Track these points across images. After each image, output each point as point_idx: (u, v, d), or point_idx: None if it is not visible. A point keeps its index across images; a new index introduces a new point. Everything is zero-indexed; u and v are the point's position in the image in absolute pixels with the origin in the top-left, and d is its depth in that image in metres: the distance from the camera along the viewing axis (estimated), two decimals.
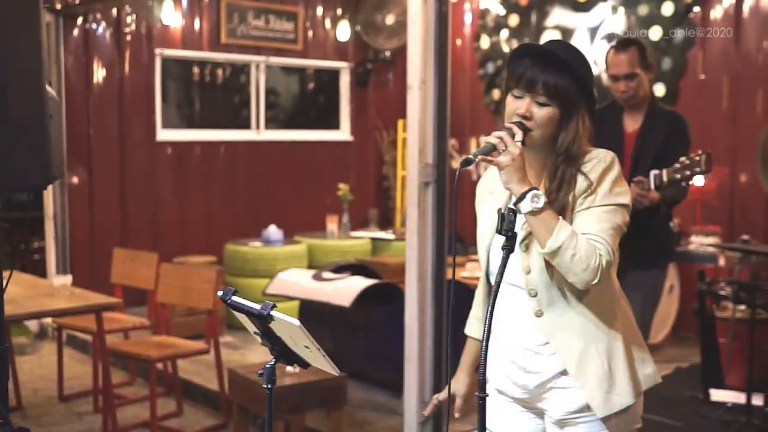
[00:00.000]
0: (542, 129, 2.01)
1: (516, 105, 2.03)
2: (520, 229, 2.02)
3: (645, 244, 3.52)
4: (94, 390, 5.19)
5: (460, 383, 2.34)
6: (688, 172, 3.43)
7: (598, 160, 2.03)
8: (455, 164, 8.05)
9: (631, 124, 3.82)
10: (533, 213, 1.92)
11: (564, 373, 2.06)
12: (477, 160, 1.95)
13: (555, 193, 2.02)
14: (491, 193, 2.20)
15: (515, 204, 1.93)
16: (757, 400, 4.49)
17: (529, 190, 1.92)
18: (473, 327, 2.36)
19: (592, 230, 1.97)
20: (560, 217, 1.95)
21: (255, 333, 1.97)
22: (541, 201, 1.91)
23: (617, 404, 2.05)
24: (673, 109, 4.08)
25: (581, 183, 2.01)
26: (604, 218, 1.99)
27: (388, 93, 9.18)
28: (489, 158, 1.96)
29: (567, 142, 2.02)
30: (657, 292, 3.81)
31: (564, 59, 2.01)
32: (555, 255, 1.92)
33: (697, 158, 3.39)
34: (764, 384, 4.53)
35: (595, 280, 1.94)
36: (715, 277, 5.38)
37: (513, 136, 1.96)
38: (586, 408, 2.05)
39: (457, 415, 2.32)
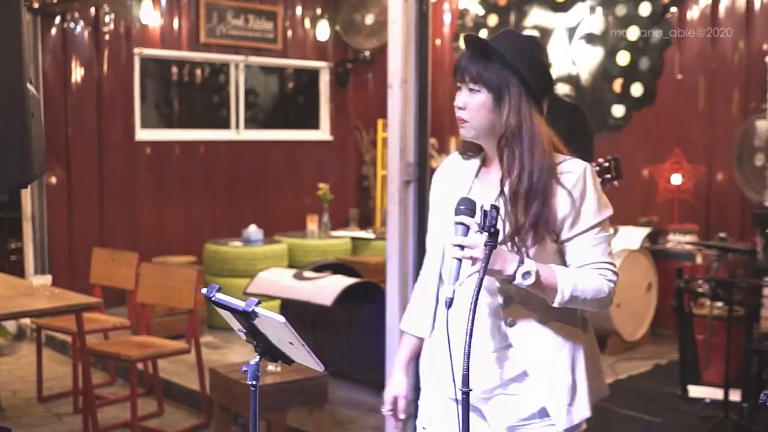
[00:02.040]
0: (476, 116, 2.02)
1: (456, 98, 2.06)
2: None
3: None
4: (74, 391, 5.17)
5: (400, 384, 2.27)
6: (599, 179, 3.39)
7: (578, 177, 2.01)
8: (435, 163, 8.06)
9: None
10: (531, 286, 1.92)
11: (515, 379, 2.04)
12: (460, 286, 1.95)
13: (509, 175, 2.00)
14: (449, 181, 2.18)
15: (510, 283, 1.94)
16: (735, 396, 4.53)
17: (517, 268, 1.90)
18: (412, 323, 2.28)
19: (591, 259, 1.99)
20: (557, 271, 1.94)
21: (239, 330, 1.98)
22: (533, 276, 1.90)
23: (577, 417, 2.04)
24: (574, 102, 3.90)
25: (564, 201, 1.99)
26: (599, 239, 2.00)
27: (368, 93, 9.20)
28: (468, 276, 1.96)
29: (503, 123, 2.00)
30: None
31: (483, 43, 2.02)
32: (566, 305, 1.96)
33: (606, 164, 3.32)
34: (741, 380, 4.58)
35: (610, 305, 2.03)
36: (692, 274, 5.43)
37: (467, 229, 1.90)
38: (538, 415, 2.04)
39: (402, 416, 2.27)
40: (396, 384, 2.27)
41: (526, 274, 1.90)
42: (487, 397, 2.08)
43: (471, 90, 2.02)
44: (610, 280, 1.98)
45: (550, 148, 2.03)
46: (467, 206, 1.92)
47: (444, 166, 2.24)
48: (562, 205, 1.99)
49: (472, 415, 2.10)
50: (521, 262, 1.91)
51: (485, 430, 2.13)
